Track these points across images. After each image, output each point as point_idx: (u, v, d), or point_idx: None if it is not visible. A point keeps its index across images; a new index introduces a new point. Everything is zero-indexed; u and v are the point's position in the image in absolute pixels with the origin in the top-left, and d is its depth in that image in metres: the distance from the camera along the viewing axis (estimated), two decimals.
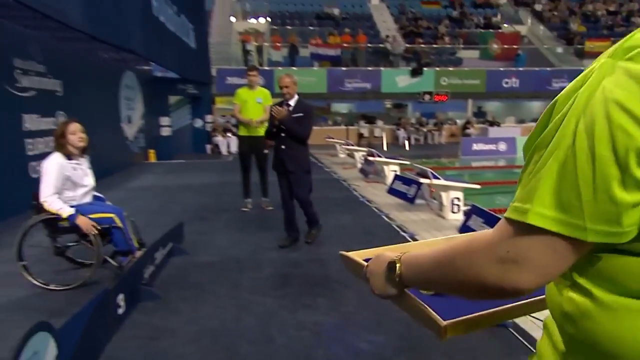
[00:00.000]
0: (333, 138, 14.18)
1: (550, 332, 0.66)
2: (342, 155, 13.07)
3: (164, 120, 13.09)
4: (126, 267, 3.50)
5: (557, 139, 0.54)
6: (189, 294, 3.35)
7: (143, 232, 4.89)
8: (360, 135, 18.73)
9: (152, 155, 12.13)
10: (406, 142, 18.35)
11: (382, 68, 19.85)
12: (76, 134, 3.52)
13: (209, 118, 14.96)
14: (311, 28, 21.90)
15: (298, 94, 4.43)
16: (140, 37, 8.22)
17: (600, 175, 0.50)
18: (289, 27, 21.73)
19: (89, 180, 3.68)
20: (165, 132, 13.11)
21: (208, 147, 14.80)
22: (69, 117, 7.43)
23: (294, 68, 18.49)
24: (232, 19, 22.11)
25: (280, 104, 4.37)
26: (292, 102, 4.34)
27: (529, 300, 0.82)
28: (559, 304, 0.61)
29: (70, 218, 3.33)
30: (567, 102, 0.55)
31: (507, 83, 20.21)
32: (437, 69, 20.06)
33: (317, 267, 3.88)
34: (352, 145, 11.67)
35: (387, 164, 8.15)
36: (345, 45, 20.14)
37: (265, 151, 6.15)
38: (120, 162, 9.97)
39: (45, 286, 3.41)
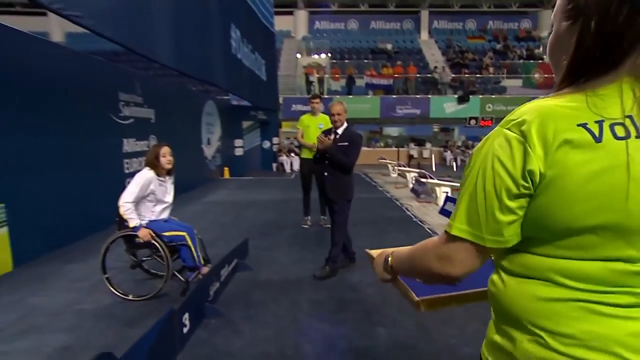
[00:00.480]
0: (385, 159, 13.70)
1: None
2: (394, 175, 12.56)
3: (238, 142, 13.30)
4: (192, 284, 3.33)
5: (469, 177, 0.75)
6: (251, 312, 3.10)
7: (212, 246, 4.78)
8: (410, 156, 18.07)
9: (226, 172, 12.31)
10: (453, 163, 17.47)
11: (430, 96, 19.16)
12: (166, 156, 3.46)
13: (275, 140, 15.13)
14: (366, 61, 21.67)
15: (348, 121, 4.00)
16: (222, 72, 8.33)
17: (489, 204, 0.71)
18: (347, 61, 21.64)
19: (170, 197, 3.59)
20: (238, 152, 13.30)
21: (274, 165, 14.93)
22: (159, 140, 7.63)
23: (350, 96, 18.32)
24: (298, 55, 22.39)
25: (328, 132, 3.96)
26: (340, 130, 3.88)
27: (478, 290, 1.03)
28: (489, 284, 0.82)
29: (135, 229, 3.23)
30: (477, 153, 0.75)
31: None
32: (482, 96, 19.05)
33: (375, 292, 3.47)
34: (405, 166, 11.13)
35: (439, 185, 7.60)
36: (396, 75, 19.67)
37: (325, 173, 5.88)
38: (200, 178, 10.15)
39: (124, 296, 3.31)
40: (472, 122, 18.57)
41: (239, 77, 9.97)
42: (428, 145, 19.16)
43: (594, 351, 0.66)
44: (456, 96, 18.80)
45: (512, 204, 0.69)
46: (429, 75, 20.45)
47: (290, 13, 23.94)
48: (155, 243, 3.24)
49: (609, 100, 0.68)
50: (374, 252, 1.17)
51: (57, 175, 4.74)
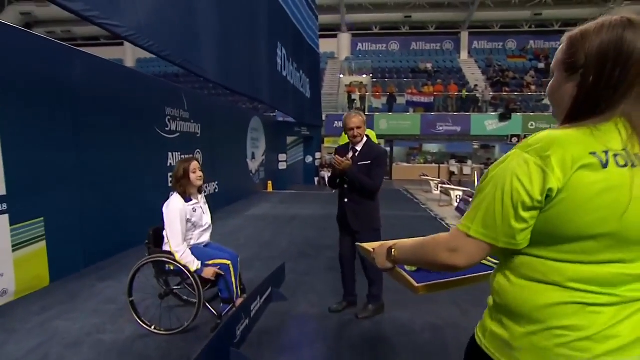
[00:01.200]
0: (427, 175, 12.76)
1: (492, 296, 0.90)
2: (436, 192, 11.59)
3: (282, 157, 12.90)
4: (224, 317, 2.75)
5: (487, 188, 0.82)
6: (284, 359, 2.47)
7: (249, 267, 4.21)
8: (451, 173, 16.91)
9: (270, 185, 11.90)
10: None
11: (471, 113, 17.97)
12: (196, 171, 2.88)
13: (317, 155, 14.62)
14: (407, 80, 20.82)
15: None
16: (268, 88, 7.94)
17: (505, 213, 0.78)
18: (387, 80, 20.91)
19: (207, 219, 3.01)
20: (282, 166, 12.89)
21: (316, 179, 14.34)
22: (204, 154, 7.29)
23: (390, 113, 17.56)
24: (340, 75, 21.94)
25: (344, 149, 3.07)
26: (359, 147, 2.98)
27: (467, 276, 1.16)
28: (493, 283, 0.90)
29: (198, 271, 2.71)
30: (495, 169, 0.82)
31: None
32: (525, 114, 17.59)
33: (431, 336, 2.75)
34: (449, 183, 10.15)
35: None
36: (436, 93, 18.66)
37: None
38: (244, 191, 9.77)
39: (148, 327, 2.78)
40: (514, 139, 17.15)
41: (285, 93, 9.57)
42: (469, 162, 17.90)
43: (585, 341, 0.75)
44: (498, 114, 17.49)
45: (525, 214, 0.77)
46: (469, 93, 19.27)
47: (334, 36, 23.63)
48: (191, 276, 2.70)
49: (610, 134, 0.77)
50: (369, 245, 1.31)
51: (98, 189, 4.40)
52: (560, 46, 0.84)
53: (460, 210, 8.12)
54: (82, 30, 21.06)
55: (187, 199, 2.83)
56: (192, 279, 2.70)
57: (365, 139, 3.02)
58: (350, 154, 2.99)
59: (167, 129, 5.96)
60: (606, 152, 0.74)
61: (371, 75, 21.74)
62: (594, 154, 0.74)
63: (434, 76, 20.78)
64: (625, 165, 0.74)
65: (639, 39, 0.74)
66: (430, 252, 0.92)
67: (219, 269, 2.82)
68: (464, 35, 23.07)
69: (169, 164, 6.02)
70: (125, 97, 4.93)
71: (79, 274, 4.04)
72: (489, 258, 1.10)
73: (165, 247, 2.81)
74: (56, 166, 3.85)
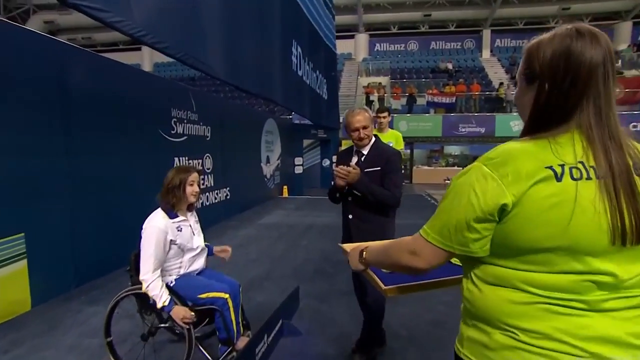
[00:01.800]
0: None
1: (463, 302, 0.92)
2: None
3: (298, 160, 12.35)
4: None
5: (448, 198, 0.85)
6: None
7: (257, 289, 3.63)
8: None
9: (285, 190, 11.35)
10: None
11: (495, 114, 17.02)
12: (194, 185, 2.32)
13: (335, 158, 13.99)
14: (427, 80, 20.00)
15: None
16: (282, 88, 7.40)
17: (459, 224, 0.81)
18: (406, 80, 20.14)
19: (199, 240, 2.42)
20: (298, 170, 12.33)
21: (332, 183, 13.70)
22: (215, 158, 6.77)
23: (408, 115, 16.80)
24: (358, 76, 21.29)
25: (347, 154, 2.45)
26: (366, 150, 2.34)
27: (438, 279, 1.21)
28: (464, 291, 0.91)
29: (165, 309, 2.12)
30: (458, 179, 0.83)
31: (635, 126, 15.73)
32: None
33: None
34: None
35: None
36: (459, 94, 17.79)
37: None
38: (258, 197, 9.24)
39: None
40: None
41: (300, 94, 9.00)
42: None
43: (553, 341, 0.76)
44: None
45: (478, 226, 0.80)
46: (492, 93, 18.29)
47: (351, 37, 23.03)
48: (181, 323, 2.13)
49: (566, 148, 0.78)
50: (347, 246, 1.35)
51: (92, 199, 3.91)
52: (522, 56, 0.87)
53: None
54: (102, 36, 21.14)
55: (172, 215, 2.27)
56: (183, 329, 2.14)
57: (373, 139, 2.35)
58: (355, 160, 2.36)
59: (173, 132, 5.48)
60: (562, 166, 0.76)
61: (389, 76, 21.04)
62: (549, 167, 0.76)
63: (455, 76, 19.91)
64: (580, 179, 0.75)
65: (587, 49, 0.76)
66: (393, 254, 0.98)
67: (213, 305, 2.25)
68: (486, 33, 22.08)
69: None
70: (125, 96, 4.45)
71: (68, 295, 3.55)
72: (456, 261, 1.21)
73: None
74: (41, 174, 3.37)
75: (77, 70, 3.76)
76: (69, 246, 3.63)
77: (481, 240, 0.81)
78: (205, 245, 2.53)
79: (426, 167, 18.09)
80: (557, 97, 0.77)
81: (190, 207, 2.42)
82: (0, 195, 3.04)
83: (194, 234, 2.39)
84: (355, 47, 23.12)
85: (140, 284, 2.24)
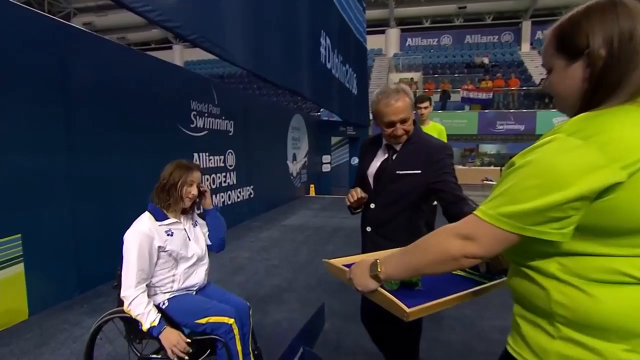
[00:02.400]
0: (492, 180, 11.09)
1: (531, 320, 0.77)
2: None
3: (325, 158, 11.83)
4: None
5: (522, 174, 0.70)
6: None
7: (277, 301, 3.14)
8: None
9: (312, 189, 10.86)
10: None
11: (537, 110, 15.79)
12: (193, 186, 1.85)
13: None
14: (461, 75, 18.93)
15: (415, 121, 1.71)
16: (309, 81, 6.90)
17: (542, 201, 0.66)
18: (438, 76, 19.15)
19: (197, 248, 1.92)
20: (326, 168, 11.82)
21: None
22: (238, 155, 6.36)
23: (440, 111, 15.88)
24: (389, 73, 20.50)
25: (372, 145, 1.81)
26: (398, 146, 1.70)
27: (456, 295, 0.98)
28: (544, 296, 0.73)
29: (152, 331, 1.65)
30: (530, 154, 0.71)
31: None
32: None
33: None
34: None
35: None
36: (496, 89, 16.65)
37: (434, 203, 3.96)
38: (284, 196, 8.79)
39: None
40: None
41: (328, 88, 8.47)
42: None
43: None
44: None
45: (566, 206, 0.66)
46: (533, 87, 17.02)
47: (382, 32, 22.24)
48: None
49: None
50: (340, 261, 1.19)
51: (98, 199, 3.54)
52: (547, 41, 0.83)
53: None
54: (135, 36, 21.50)
55: (161, 217, 1.81)
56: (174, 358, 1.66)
57: (412, 129, 1.67)
58: (383, 158, 1.71)
59: (192, 126, 5.10)
60: None
61: (421, 71, 20.11)
62: None
63: (491, 71, 18.74)
64: None
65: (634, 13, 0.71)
66: (433, 247, 0.81)
67: (214, 334, 1.77)
68: (526, 25, 20.69)
69: None
70: (138, 87, 4.08)
71: (70, 303, 3.20)
72: (471, 271, 1.14)
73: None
74: (40, 171, 3.02)
75: (81, 56, 3.39)
76: (71, 249, 3.27)
77: (563, 221, 0.67)
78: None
79: (460, 167, 17.08)
80: (612, 72, 0.70)
81: (185, 211, 1.94)
82: None
83: (189, 240, 1.90)
84: (385, 43, 22.32)
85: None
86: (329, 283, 3.65)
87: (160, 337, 1.67)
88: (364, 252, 1.84)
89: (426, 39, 22.77)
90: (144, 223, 1.76)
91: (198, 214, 2.05)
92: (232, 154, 6.15)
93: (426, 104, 3.93)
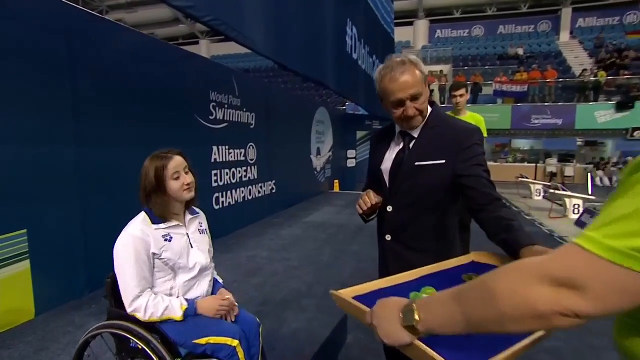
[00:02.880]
0: (527, 177, 10.39)
1: None
2: (537, 198, 9.26)
3: (351, 153, 11.44)
4: None
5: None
6: None
7: (296, 307, 2.84)
8: (552, 174, 13.98)
9: (336, 185, 10.52)
10: (607, 184, 12.93)
11: (576, 103, 14.72)
12: (180, 176, 1.53)
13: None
14: (493, 67, 17.95)
15: (433, 102, 1.36)
16: (334, 71, 6.54)
17: None
18: (467, 68, 18.25)
19: (199, 256, 1.60)
20: (351, 163, 11.43)
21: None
22: (259, 149, 6.10)
23: (470, 105, 15.06)
24: None
25: (383, 137, 1.46)
26: (416, 131, 1.33)
27: (521, 344, 0.64)
28: None
29: (188, 312, 1.49)
30: None
31: None
32: None
33: None
34: (563, 189, 7.73)
35: None
36: (531, 81, 15.65)
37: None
38: (306, 192, 8.50)
39: None
40: (637, 133, 13.66)
41: (355, 79, 8.08)
42: (573, 161, 14.75)
43: None
44: (614, 103, 14.05)
45: None
46: (572, 79, 15.89)
47: (410, 24, 21.47)
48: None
49: None
50: (350, 292, 0.91)
51: (110, 193, 3.34)
52: None
53: (582, 224, 6.01)
54: (164, 31, 21.74)
55: (157, 220, 1.52)
56: None
57: (429, 109, 1.33)
58: (398, 149, 1.36)
59: (211, 117, 4.86)
60: None
61: (451, 64, 19.26)
62: None
63: (526, 62, 17.67)
64: None
65: None
66: (505, 295, 0.52)
67: (215, 357, 1.48)
68: (566, 13, 19.37)
69: (213, 160, 4.93)
70: (153, 76, 3.86)
71: (79, 303, 3.02)
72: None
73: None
74: (47, 163, 2.83)
75: (92, 41, 3.18)
76: (80, 246, 3.09)
77: None
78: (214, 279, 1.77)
79: (492, 163, 16.25)
80: None
81: (189, 205, 1.66)
82: None
83: (191, 247, 1.61)
84: (414, 35, 21.55)
85: (121, 317, 1.54)
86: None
87: (200, 312, 1.53)
88: (383, 265, 1.51)
89: (456, 30, 21.79)
90: (137, 226, 1.48)
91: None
92: (253, 147, 5.89)
93: (462, 91, 3.50)
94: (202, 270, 1.63)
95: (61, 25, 2.92)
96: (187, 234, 1.61)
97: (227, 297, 1.62)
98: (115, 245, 1.47)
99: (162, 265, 1.51)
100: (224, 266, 3.93)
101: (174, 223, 1.56)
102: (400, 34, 19.62)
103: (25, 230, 2.71)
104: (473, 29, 21.62)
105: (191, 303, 1.52)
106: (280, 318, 2.79)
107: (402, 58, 1.29)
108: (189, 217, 1.65)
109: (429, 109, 1.34)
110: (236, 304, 1.67)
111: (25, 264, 2.72)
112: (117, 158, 3.40)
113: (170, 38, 22.27)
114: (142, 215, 1.53)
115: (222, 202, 5.12)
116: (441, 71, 17.10)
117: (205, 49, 22.40)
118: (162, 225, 1.52)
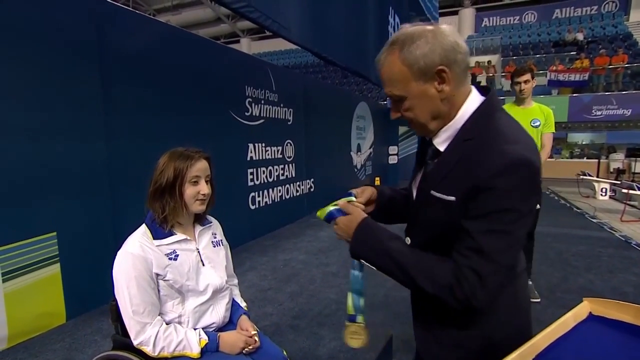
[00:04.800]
0: (590, 175, 9.35)
1: None
2: (602, 198, 8.26)
3: (392, 149, 10.93)
4: None
5: None
6: None
7: (334, 322, 2.52)
8: (618, 171, 12.56)
9: (377, 182, 10.06)
10: None
11: None
12: (199, 184, 1.26)
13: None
14: (547, 55, 16.48)
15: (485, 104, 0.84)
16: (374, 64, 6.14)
17: None
18: (522, 57, 16.90)
19: (212, 276, 1.32)
20: (392, 160, 10.92)
21: None
22: (297, 146, 5.83)
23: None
24: None
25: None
26: (442, 144, 0.85)
27: None
28: None
29: (209, 348, 1.23)
30: None
31: None
32: None
33: None
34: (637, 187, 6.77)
35: None
36: (595, 69, 14.14)
37: (537, 207, 3.01)
38: (347, 190, 8.13)
39: None
40: None
41: None
42: None
43: None
44: None
45: None
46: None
47: (455, 13, 20.31)
48: None
49: None
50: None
51: (138, 194, 3.19)
52: None
53: None
54: (206, 31, 22.19)
55: (160, 233, 1.25)
56: None
57: (467, 114, 0.83)
58: (430, 163, 0.92)
59: (247, 114, 4.64)
60: None
61: (500, 53, 17.95)
62: None
63: (587, 48, 16.04)
64: None
65: None
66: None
67: None
68: None
69: (249, 158, 4.71)
70: (186, 70, 3.68)
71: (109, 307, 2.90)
72: None
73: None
74: (77, 161, 2.72)
75: (123, 33, 3.03)
76: (111, 248, 2.95)
77: None
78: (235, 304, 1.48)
79: (548, 159, 14.96)
80: None
81: (199, 218, 1.38)
82: (27, 187, 2.43)
83: (202, 264, 1.33)
84: (458, 24, 20.33)
85: (126, 347, 1.30)
86: (399, 301, 2.94)
87: (222, 350, 1.25)
88: (415, 308, 1.06)
89: (505, 17, 20.32)
90: (135, 242, 1.22)
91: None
92: (290, 144, 5.63)
93: (526, 76, 2.96)
94: (217, 292, 1.34)
95: (92, 17, 2.78)
96: (198, 249, 1.33)
97: (252, 332, 1.33)
98: (113, 267, 1.22)
99: (168, 287, 1.24)
100: (258, 270, 3.69)
101: (181, 237, 1.28)
102: (445, 24, 18.61)
103: (55, 233, 2.60)
104: (524, 15, 20.05)
105: (212, 338, 1.24)
106: (316, 335, 2.49)
107: (397, 34, 0.84)
108: (199, 228, 1.37)
109: (468, 113, 0.84)
110: (257, 333, 1.37)
111: (55, 268, 2.62)
112: (150, 154, 3.24)
113: (213, 37, 22.71)
114: (142, 229, 1.27)
115: (259, 201, 4.90)
116: (489, 61, 15.95)
117: (246, 47, 22.62)
118: (166, 241, 1.25)
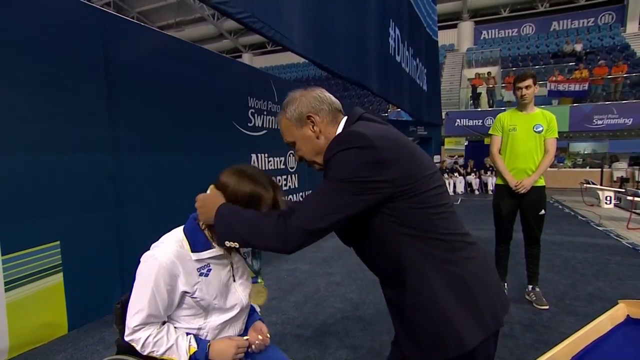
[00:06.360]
0: (594, 183, 9.31)
1: None
2: (607, 206, 8.20)
3: None
4: None
5: None
6: None
7: (340, 330, 2.47)
8: (622, 180, 12.49)
9: None
10: None
11: None
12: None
13: (437, 158, 12.17)
14: (547, 66, 16.62)
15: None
16: (376, 73, 6.18)
17: None
18: (521, 68, 17.05)
19: (240, 294, 1.28)
20: None
21: None
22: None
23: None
24: (463, 70, 18.82)
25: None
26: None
27: None
28: None
29: (198, 356, 1.17)
30: None
31: None
32: None
33: None
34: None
35: None
36: (594, 79, 14.23)
37: (542, 212, 2.99)
38: None
39: None
40: None
41: (398, 83, 7.65)
42: None
43: None
44: None
45: None
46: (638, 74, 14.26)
47: (454, 26, 20.59)
48: None
49: None
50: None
51: (145, 202, 3.19)
52: None
53: None
54: (209, 47, 22.54)
55: (201, 245, 1.20)
56: None
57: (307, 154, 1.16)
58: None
59: (250, 124, 4.67)
60: None
61: (499, 65, 18.12)
62: None
63: (585, 58, 16.18)
64: None
65: None
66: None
67: None
68: (634, 1, 17.56)
69: None
70: (190, 81, 3.71)
71: (112, 318, 2.86)
72: None
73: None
74: (81, 172, 2.72)
75: (127, 45, 3.07)
76: (115, 258, 2.94)
77: None
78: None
79: (550, 169, 14.89)
80: None
81: None
82: (31, 196, 2.43)
83: (233, 281, 1.29)
84: (458, 37, 20.64)
85: (131, 351, 1.27)
86: None
87: (212, 357, 1.19)
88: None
89: (504, 29, 20.59)
90: (168, 251, 1.16)
91: None
92: (293, 155, 5.64)
93: (528, 82, 2.97)
94: (243, 311, 1.31)
95: (97, 30, 2.82)
96: (231, 262, 1.29)
97: (262, 336, 1.29)
98: (140, 265, 1.19)
99: (193, 303, 1.21)
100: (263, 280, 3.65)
101: (219, 252, 1.22)
102: (444, 37, 18.87)
103: (58, 242, 2.58)
104: (522, 28, 20.33)
105: (202, 346, 1.17)
106: (322, 345, 2.43)
107: (285, 100, 1.15)
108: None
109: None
110: (268, 336, 1.34)
111: (58, 277, 2.60)
112: (154, 165, 3.26)
113: (218, 51, 23.13)
114: (179, 237, 1.21)
115: None
116: (489, 73, 16.07)
117: (248, 61, 22.93)
118: (204, 254, 1.19)
